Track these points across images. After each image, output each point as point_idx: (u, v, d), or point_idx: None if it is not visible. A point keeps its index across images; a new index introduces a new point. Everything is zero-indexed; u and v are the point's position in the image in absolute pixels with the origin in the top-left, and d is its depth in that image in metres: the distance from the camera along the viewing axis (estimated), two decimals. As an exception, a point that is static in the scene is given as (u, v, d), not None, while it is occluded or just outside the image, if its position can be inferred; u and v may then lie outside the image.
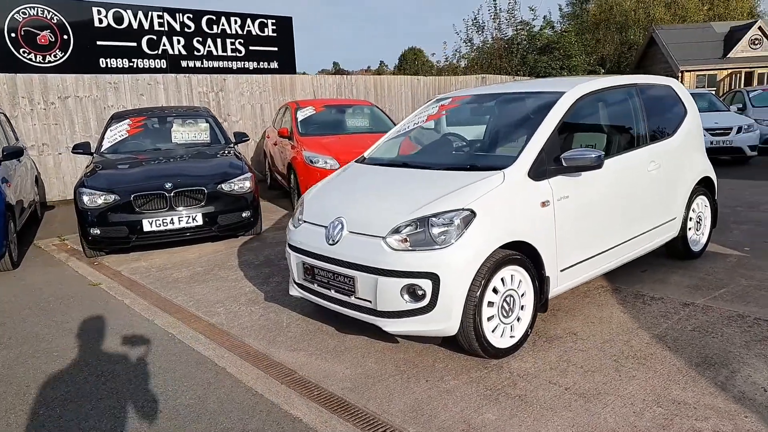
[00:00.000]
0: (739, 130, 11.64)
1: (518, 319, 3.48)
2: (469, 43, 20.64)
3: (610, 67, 26.90)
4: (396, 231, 3.30)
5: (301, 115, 9.38)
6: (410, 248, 3.23)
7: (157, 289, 5.23)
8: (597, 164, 3.57)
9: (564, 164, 3.61)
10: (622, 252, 4.19)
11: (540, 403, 2.92)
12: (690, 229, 4.92)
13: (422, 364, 3.45)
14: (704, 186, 5.06)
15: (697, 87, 19.12)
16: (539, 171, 3.57)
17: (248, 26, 13.09)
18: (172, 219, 6.25)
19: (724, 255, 5.21)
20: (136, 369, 3.59)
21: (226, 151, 7.60)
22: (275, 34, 13.44)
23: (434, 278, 3.14)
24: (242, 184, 6.71)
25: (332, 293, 3.62)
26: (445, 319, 3.19)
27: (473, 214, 3.24)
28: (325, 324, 4.14)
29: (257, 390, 3.25)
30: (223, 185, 6.55)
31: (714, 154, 11.06)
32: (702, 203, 5.07)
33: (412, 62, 49.44)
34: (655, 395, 2.91)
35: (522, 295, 3.47)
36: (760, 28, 20.03)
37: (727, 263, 4.97)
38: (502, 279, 3.34)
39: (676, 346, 3.43)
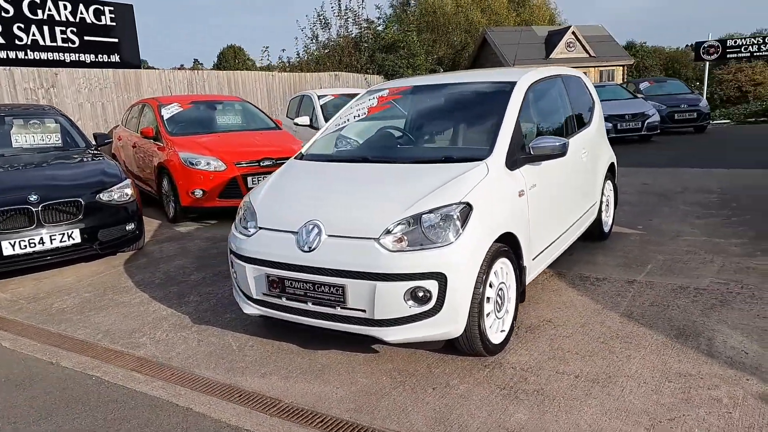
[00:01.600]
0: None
1: (507, 312, 3.40)
2: (315, 41, 20.45)
3: (447, 67, 28.48)
4: (389, 231, 3.02)
5: (166, 112, 8.45)
6: (409, 248, 2.97)
7: (42, 324, 4.30)
8: (562, 152, 3.62)
9: (532, 153, 3.61)
10: (567, 237, 4.33)
11: (561, 395, 2.86)
12: (602, 212, 5.27)
13: (417, 371, 3.21)
14: (609, 171, 5.45)
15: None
16: (512, 160, 3.52)
17: (81, 13, 11.48)
18: (41, 238, 5.19)
19: (626, 234, 5.68)
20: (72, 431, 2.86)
21: (92, 156, 6.54)
22: (114, 24, 11.98)
23: (441, 278, 2.93)
24: (123, 192, 5.81)
25: (309, 306, 3.22)
26: (452, 321, 2.99)
27: (470, 207, 3.08)
28: (283, 342, 3.69)
29: (248, 428, 2.76)
30: (101, 195, 5.61)
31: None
32: (608, 187, 5.46)
33: (232, 60, 48.09)
34: (659, 371, 3.01)
35: (508, 287, 3.39)
36: (573, 33, 22.67)
37: (633, 242, 5.41)
38: (495, 272, 3.22)
39: (647, 322, 3.60)
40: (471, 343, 3.13)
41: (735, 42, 22.95)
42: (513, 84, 3.91)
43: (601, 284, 4.30)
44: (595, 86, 16.88)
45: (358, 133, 4.36)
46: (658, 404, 2.71)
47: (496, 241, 3.22)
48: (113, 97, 11.74)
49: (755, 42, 22.48)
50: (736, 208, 6.51)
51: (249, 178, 7.35)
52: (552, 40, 23.07)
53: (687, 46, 59.03)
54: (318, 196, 3.50)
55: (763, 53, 22.47)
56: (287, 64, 20.62)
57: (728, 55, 23.03)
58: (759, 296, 3.86)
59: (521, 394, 2.90)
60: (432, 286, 2.93)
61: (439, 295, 2.94)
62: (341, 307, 3.09)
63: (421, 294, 2.95)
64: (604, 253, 5.08)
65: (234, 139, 8.04)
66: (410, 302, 2.96)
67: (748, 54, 22.78)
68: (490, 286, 3.19)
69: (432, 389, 3.02)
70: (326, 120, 9.83)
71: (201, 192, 7.22)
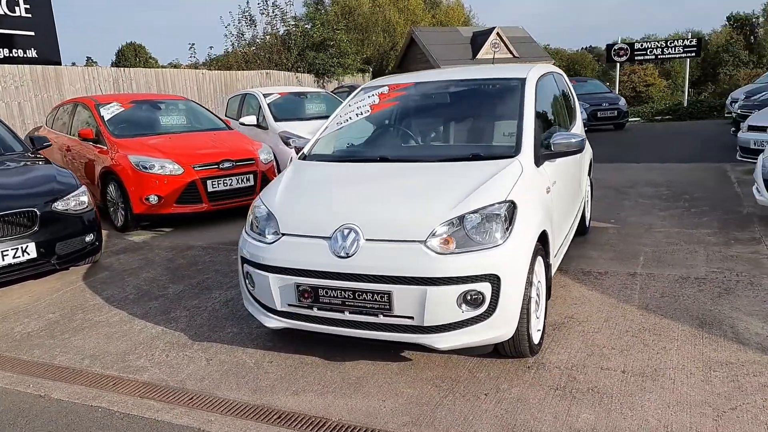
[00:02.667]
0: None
1: (541, 311, 3.36)
2: (240, 38, 19.73)
3: (375, 68, 28.45)
4: (434, 233, 2.89)
5: (106, 113, 7.80)
6: (458, 250, 2.85)
7: (9, 352, 3.81)
8: (580, 148, 3.63)
9: (552, 149, 3.59)
10: (571, 233, 4.38)
11: (617, 392, 2.84)
12: (584, 206, 5.39)
13: (460, 377, 3.09)
14: (589, 165, 5.58)
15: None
16: (536, 157, 3.49)
17: (-9, 4, 10.41)
18: (-8, 254, 4.61)
19: (602, 228, 5.84)
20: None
21: (36, 161, 5.92)
22: (30, 15, 10.94)
23: (494, 280, 2.83)
24: (79, 200, 5.28)
25: (347, 316, 3.02)
26: (505, 324, 2.90)
27: (514, 206, 3.00)
28: (303, 355, 3.46)
29: (306, 453, 2.54)
30: (56, 204, 5.06)
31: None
32: (587, 182, 5.59)
33: (132, 58, 46.01)
34: (701, 361, 3.07)
35: (541, 285, 3.35)
36: (498, 34, 23.35)
37: (613, 235, 5.57)
38: (535, 272, 3.17)
39: (667, 314, 3.68)
40: (518, 345, 3.06)
41: (642, 45, 24.53)
42: (523, 80, 3.89)
43: (604, 278, 4.37)
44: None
45: (362, 132, 4.18)
46: (714, 394, 2.76)
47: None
48: (31, 96, 10.76)
49: (659, 45, 24.14)
50: (689, 200, 6.88)
51: (209, 182, 6.92)
52: (477, 41, 23.67)
53: (582, 48, 62.92)
54: (347, 199, 3.30)
55: (667, 55, 24.16)
56: (214, 63, 19.77)
57: (636, 57, 24.56)
58: (757, 283, 4.07)
59: (577, 393, 2.86)
60: (485, 288, 2.83)
61: (492, 298, 2.84)
62: (385, 315, 2.92)
63: (473, 297, 2.84)
64: (593, 247, 5.19)
65: (186, 141, 7.55)
66: (463, 306, 2.84)
67: (653, 57, 24.42)
68: (531, 284, 3.13)
69: (484, 395, 2.91)
70: (276, 119, 9.50)
71: (156, 198, 6.71)
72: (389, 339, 2.98)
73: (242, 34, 19.87)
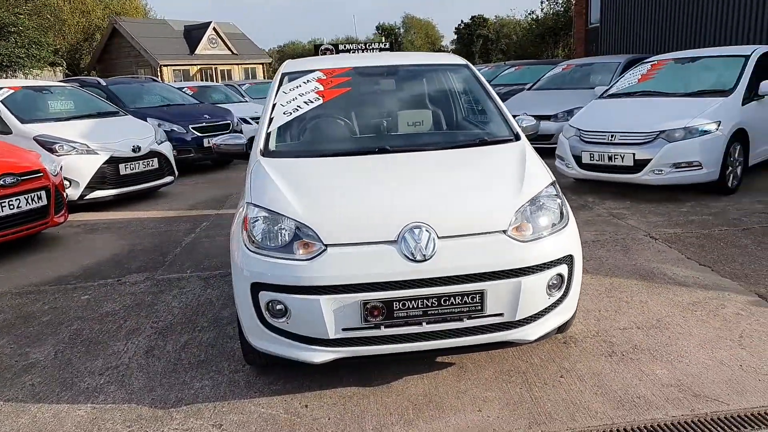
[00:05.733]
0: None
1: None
2: None
3: (67, 60, 24.18)
4: (512, 221, 2.74)
5: None
6: (537, 235, 2.75)
7: None
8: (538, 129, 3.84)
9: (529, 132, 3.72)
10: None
11: (655, 344, 3.14)
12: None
13: (520, 368, 3.01)
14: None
15: (175, 81, 19.74)
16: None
17: None
18: None
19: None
20: None
21: None
22: None
23: (570, 261, 2.82)
24: None
25: (424, 328, 2.63)
26: (573, 304, 2.92)
27: (555, 185, 3.04)
28: (337, 389, 2.90)
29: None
30: None
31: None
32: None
33: None
34: (681, 307, 3.58)
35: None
36: (215, 29, 22.19)
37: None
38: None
39: (610, 273, 4.18)
40: (570, 323, 3.11)
41: (345, 46, 26.54)
42: (466, 65, 3.93)
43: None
44: (258, 84, 17.20)
45: (328, 123, 3.61)
46: (719, 328, 3.28)
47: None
48: None
49: (360, 46, 26.49)
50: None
51: (-13, 204, 5.06)
52: (192, 36, 22.14)
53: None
54: (394, 195, 2.83)
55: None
56: None
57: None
58: (637, 238, 4.92)
59: (629, 354, 3.07)
60: (564, 270, 2.80)
61: (568, 280, 2.83)
62: (472, 317, 2.65)
63: (556, 281, 2.78)
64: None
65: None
66: (549, 292, 2.76)
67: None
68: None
69: (560, 378, 2.90)
70: (23, 121, 7.38)
71: None
72: (474, 343, 2.71)
73: None
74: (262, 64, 26.49)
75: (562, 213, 2.90)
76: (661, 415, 2.56)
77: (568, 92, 9.96)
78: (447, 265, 2.58)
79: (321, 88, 3.68)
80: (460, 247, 2.63)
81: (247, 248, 2.73)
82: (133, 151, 7.44)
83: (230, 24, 24.57)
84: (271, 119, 3.50)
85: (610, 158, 6.19)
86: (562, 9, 35.90)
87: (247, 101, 14.17)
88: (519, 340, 2.74)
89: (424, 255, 2.58)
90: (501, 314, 2.67)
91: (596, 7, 17.86)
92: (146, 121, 8.81)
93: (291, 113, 3.53)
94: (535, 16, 38.22)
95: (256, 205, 2.83)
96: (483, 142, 3.36)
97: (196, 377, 3.06)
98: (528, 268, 2.66)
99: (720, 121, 5.92)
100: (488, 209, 2.76)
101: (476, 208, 2.78)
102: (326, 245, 2.62)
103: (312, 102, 3.58)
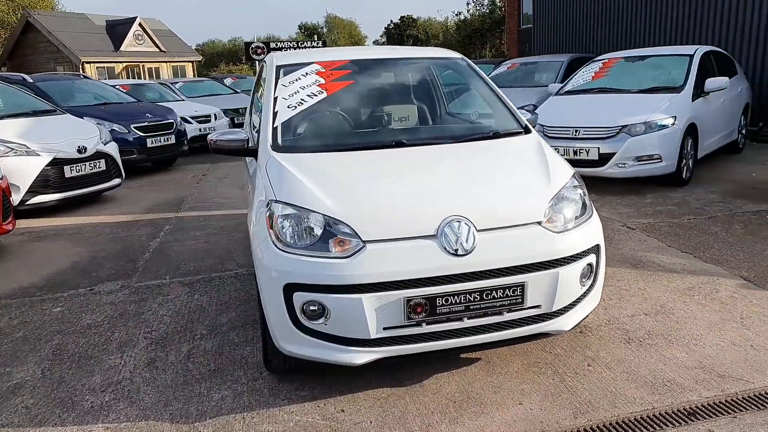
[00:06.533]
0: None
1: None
2: None
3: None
4: (545, 212, 2.74)
5: None
6: (569, 226, 2.76)
7: None
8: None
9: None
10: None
11: (667, 329, 3.24)
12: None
13: (548, 360, 3.02)
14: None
15: (99, 79, 18.46)
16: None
17: None
18: None
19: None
20: None
21: None
22: None
23: (597, 250, 2.85)
24: None
25: (465, 323, 2.58)
26: (599, 294, 2.96)
27: (575, 176, 3.07)
28: (369, 390, 2.80)
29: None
30: None
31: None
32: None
33: None
34: (678, 292, 3.72)
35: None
36: (141, 24, 21.02)
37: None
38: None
39: (598, 262, 4.28)
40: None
41: (276, 45, 26.02)
42: (463, 59, 3.92)
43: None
44: (192, 83, 16.61)
45: (336, 116, 3.46)
46: (721, 311, 3.43)
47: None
48: None
49: (292, 45, 26.07)
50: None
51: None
52: (116, 31, 20.84)
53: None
54: (429, 188, 2.75)
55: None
56: None
57: (272, 56, 25.93)
58: (610, 228, 5.07)
59: (647, 340, 3.15)
60: (593, 260, 2.83)
61: (596, 268, 2.87)
62: (512, 311, 2.62)
63: (587, 271, 2.81)
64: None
65: None
66: (582, 282, 2.78)
67: (288, 56, 26.24)
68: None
69: (588, 366, 2.93)
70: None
71: None
72: (513, 337, 2.68)
73: None
74: (192, 62, 25.42)
75: (585, 203, 2.93)
76: (695, 397, 2.63)
77: (517, 90, 10.19)
78: (488, 258, 2.54)
79: (322, 81, 3.54)
80: (499, 239, 2.60)
81: (277, 247, 2.57)
82: (79, 152, 6.92)
83: (156, 20, 23.39)
84: (275, 113, 3.33)
85: (575, 152, 6.38)
86: (488, 11, 36.83)
87: (184, 100, 13.57)
88: (555, 330, 2.74)
89: (466, 249, 2.53)
90: (538, 306, 2.66)
91: (528, 7, 18.46)
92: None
93: (295, 107, 3.37)
94: (462, 17, 38.92)
95: (283, 203, 2.67)
96: (496, 135, 3.35)
97: (212, 388, 2.86)
98: (564, 258, 2.66)
99: (675, 116, 6.23)
100: (523, 201, 2.75)
101: (511, 200, 2.76)
102: (364, 241, 2.51)
103: (315, 95, 3.44)
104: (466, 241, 2.54)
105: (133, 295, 4.11)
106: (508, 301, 2.59)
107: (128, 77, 20.91)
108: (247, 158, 3.59)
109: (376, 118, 3.60)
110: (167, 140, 9.83)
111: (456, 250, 2.52)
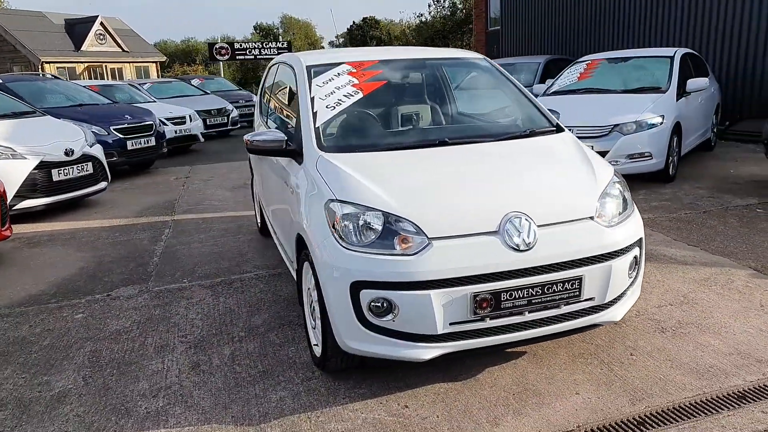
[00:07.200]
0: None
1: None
2: None
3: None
4: (596, 207, 2.84)
5: None
6: (616, 220, 2.87)
7: None
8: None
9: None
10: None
11: (696, 318, 3.39)
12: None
13: (590, 351, 3.12)
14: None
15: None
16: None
17: None
18: None
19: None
20: None
21: None
22: None
23: (640, 243, 2.97)
24: None
25: (526, 317, 2.65)
26: (640, 283, 3.07)
27: (616, 173, 3.18)
28: (425, 386, 2.83)
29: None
30: None
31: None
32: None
33: None
34: (697, 282, 3.89)
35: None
36: (102, 24, 20.34)
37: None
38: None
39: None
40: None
41: (241, 46, 25.70)
42: (486, 59, 4.01)
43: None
44: (160, 83, 16.21)
45: (375, 115, 3.48)
46: (740, 300, 3.61)
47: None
48: None
49: (257, 46, 25.81)
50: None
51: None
52: (76, 30, 20.11)
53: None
54: (481, 185, 2.80)
55: (265, 56, 25.99)
56: None
57: (237, 56, 25.62)
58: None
59: (680, 329, 3.28)
60: (638, 252, 2.94)
61: (639, 260, 2.99)
62: (569, 303, 2.70)
63: (634, 262, 2.92)
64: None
65: None
66: (630, 273, 2.89)
67: (253, 57, 25.95)
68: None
69: (630, 356, 3.04)
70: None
71: None
72: (569, 329, 2.76)
73: None
74: (156, 62, 24.78)
75: (626, 199, 3.04)
76: (740, 381, 2.77)
77: (497, 91, 10.39)
78: (549, 253, 2.62)
79: (356, 81, 3.55)
80: (558, 234, 2.68)
81: (342, 246, 2.58)
82: (66, 154, 6.70)
83: (118, 19, 22.70)
84: (315, 113, 3.32)
85: (569, 151, 6.55)
86: (449, 12, 37.25)
87: (155, 101, 13.25)
88: (607, 321, 2.84)
89: (528, 244, 2.59)
90: (592, 298, 2.75)
91: (495, 9, 18.79)
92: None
93: (334, 107, 3.38)
94: (423, 19, 39.26)
95: (343, 202, 2.68)
96: (533, 133, 3.43)
97: (268, 389, 2.84)
98: (616, 251, 2.76)
99: (663, 115, 6.49)
100: (576, 196, 2.84)
101: (565, 195, 2.84)
102: (430, 238, 2.55)
103: (352, 95, 3.45)
104: (528, 237, 2.60)
105: (155, 300, 4.02)
106: (567, 294, 2.67)
107: (90, 78, 20.25)
108: (279, 159, 3.56)
109: (414, 117, 3.63)
110: (147, 142, 9.60)
111: (518, 245, 2.58)
